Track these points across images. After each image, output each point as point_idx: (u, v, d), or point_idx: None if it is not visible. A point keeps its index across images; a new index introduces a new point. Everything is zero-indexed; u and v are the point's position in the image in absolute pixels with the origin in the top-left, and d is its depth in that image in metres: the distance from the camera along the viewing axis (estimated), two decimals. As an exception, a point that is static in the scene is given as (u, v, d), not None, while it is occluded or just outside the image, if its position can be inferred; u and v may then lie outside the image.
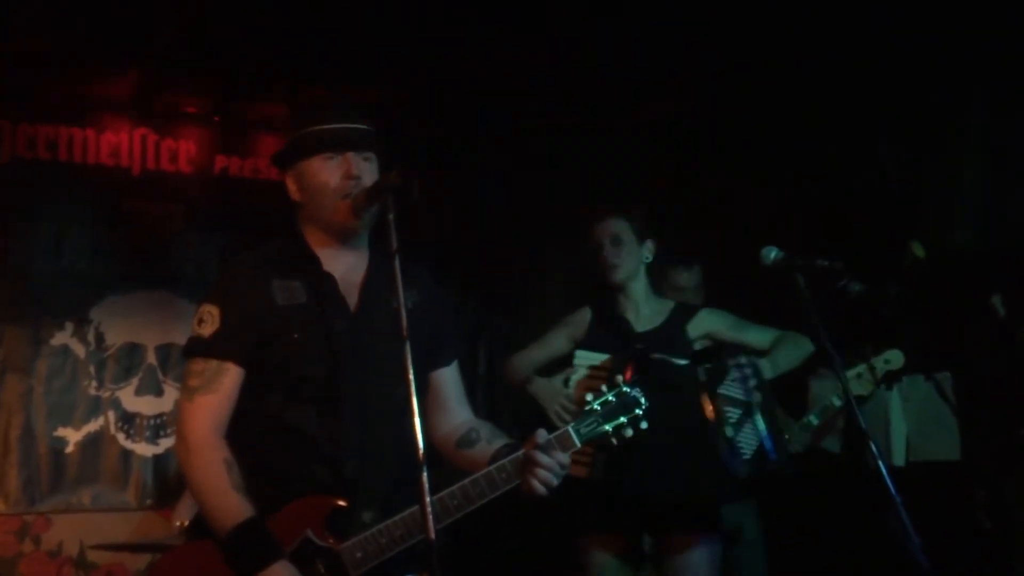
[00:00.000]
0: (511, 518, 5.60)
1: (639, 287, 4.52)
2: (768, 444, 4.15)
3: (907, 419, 5.32)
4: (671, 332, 4.43)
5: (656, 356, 4.20)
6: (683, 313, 4.50)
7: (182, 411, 2.88)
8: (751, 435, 4.14)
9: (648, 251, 4.51)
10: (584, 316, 4.62)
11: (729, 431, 4.12)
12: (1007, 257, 5.05)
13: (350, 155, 2.95)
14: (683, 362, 4.28)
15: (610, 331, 4.49)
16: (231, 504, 2.76)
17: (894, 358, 4.65)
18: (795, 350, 4.46)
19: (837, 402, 4.72)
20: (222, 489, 2.78)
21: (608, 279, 4.49)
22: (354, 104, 3.06)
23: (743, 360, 4.19)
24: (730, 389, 4.17)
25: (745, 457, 4.11)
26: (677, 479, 4.14)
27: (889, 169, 5.55)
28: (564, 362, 4.53)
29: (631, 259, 4.48)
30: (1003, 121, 5.14)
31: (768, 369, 4.35)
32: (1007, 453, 4.86)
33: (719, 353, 4.24)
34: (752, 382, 4.18)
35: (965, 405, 5.10)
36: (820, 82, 5.63)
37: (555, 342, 4.60)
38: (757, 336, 4.49)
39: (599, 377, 4.23)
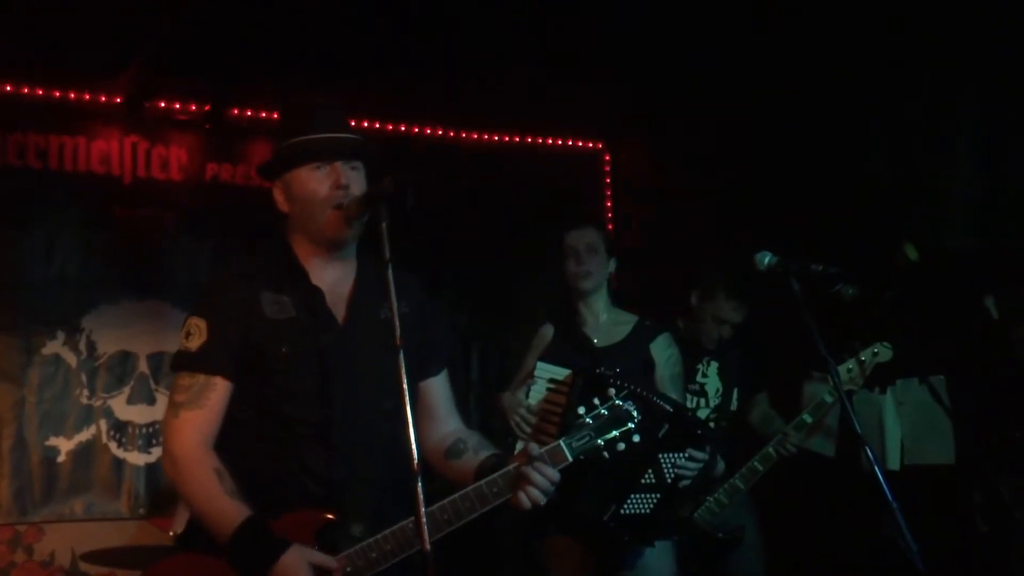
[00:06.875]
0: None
1: (601, 299, 4.65)
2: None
3: (901, 423, 5.31)
4: (635, 347, 4.52)
5: (608, 374, 4.18)
6: (645, 332, 4.58)
7: (168, 427, 2.85)
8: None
9: (612, 266, 4.67)
10: (546, 332, 4.72)
11: None
12: (1000, 258, 5.04)
13: (338, 164, 2.92)
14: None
15: (571, 346, 4.57)
16: (227, 509, 2.74)
17: (882, 351, 4.65)
18: None
19: (828, 398, 4.73)
20: (216, 496, 2.76)
21: (579, 286, 4.61)
22: (341, 112, 3.03)
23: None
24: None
25: None
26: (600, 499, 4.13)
27: (881, 169, 5.54)
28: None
29: (601, 270, 4.62)
30: (996, 118, 5.12)
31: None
32: (1002, 455, 4.86)
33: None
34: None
35: (960, 407, 5.10)
36: (810, 81, 5.62)
37: (529, 364, 4.63)
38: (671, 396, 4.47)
39: (559, 391, 4.30)
